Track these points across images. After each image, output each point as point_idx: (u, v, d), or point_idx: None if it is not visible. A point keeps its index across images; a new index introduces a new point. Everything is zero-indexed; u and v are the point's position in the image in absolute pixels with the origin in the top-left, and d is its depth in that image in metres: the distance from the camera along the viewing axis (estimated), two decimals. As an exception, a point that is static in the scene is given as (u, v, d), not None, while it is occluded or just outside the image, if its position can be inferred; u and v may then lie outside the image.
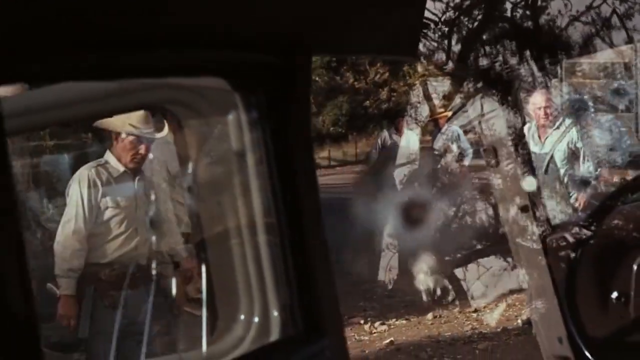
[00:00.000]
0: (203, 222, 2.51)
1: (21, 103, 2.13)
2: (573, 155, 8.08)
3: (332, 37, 2.43)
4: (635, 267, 3.75)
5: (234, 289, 2.38)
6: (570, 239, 3.64)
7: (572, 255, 3.60)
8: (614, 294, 3.75)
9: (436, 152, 12.11)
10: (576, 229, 3.65)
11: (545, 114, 8.13)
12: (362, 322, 9.14)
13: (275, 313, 2.31)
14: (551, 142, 8.18)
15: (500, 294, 9.40)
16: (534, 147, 8.18)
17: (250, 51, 2.20)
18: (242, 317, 2.38)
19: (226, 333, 2.39)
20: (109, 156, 5.40)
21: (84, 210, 5.25)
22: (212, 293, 2.45)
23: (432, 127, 13.97)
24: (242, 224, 2.35)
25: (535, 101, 8.21)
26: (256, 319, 2.35)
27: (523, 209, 3.66)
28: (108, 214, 5.27)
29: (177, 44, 2.05)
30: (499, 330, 8.67)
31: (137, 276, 5.26)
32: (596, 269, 3.76)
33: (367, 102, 18.88)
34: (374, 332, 8.87)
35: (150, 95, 2.42)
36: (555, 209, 7.80)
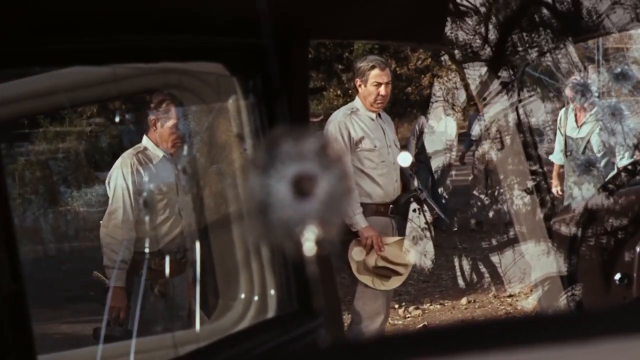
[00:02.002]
0: (204, 204, 2.56)
1: (23, 88, 2.20)
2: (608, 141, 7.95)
3: (331, 20, 2.46)
4: (638, 248, 3.75)
5: (235, 269, 2.44)
6: (574, 221, 3.65)
7: (576, 236, 3.61)
8: (617, 276, 3.75)
9: (473, 138, 12.06)
10: (580, 211, 3.66)
11: (579, 101, 7.98)
12: (396, 306, 9.16)
13: (273, 292, 2.36)
14: (588, 127, 8.06)
15: (537, 279, 9.34)
16: (570, 132, 8.10)
17: (248, 36, 2.24)
18: (243, 296, 2.44)
19: (227, 311, 2.46)
20: (147, 142, 5.30)
21: (130, 198, 5.20)
22: (214, 273, 2.51)
23: (471, 112, 13.91)
24: (242, 206, 2.41)
25: (571, 86, 8.07)
26: (255, 298, 2.41)
27: (527, 191, 3.68)
28: (152, 200, 5.21)
29: (176, 29, 2.10)
30: (533, 315, 8.62)
31: (182, 261, 5.23)
32: (599, 250, 3.76)
33: (409, 88, 18.82)
34: (408, 317, 8.88)
35: (154, 79, 2.48)
36: (589, 195, 7.70)
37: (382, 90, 5.83)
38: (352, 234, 5.63)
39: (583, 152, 8.12)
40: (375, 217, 5.77)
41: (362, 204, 5.71)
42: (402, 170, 5.90)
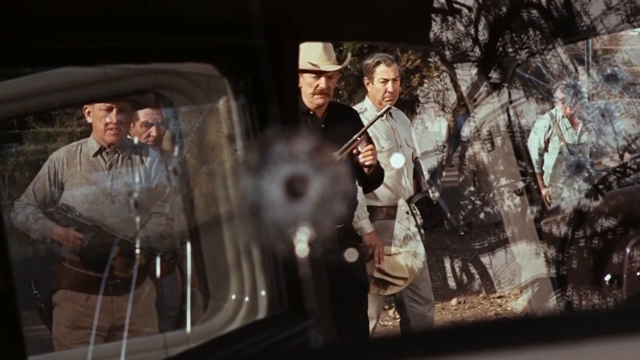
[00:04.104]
0: (194, 205, 2.55)
1: (10, 89, 2.20)
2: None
3: (321, 21, 2.46)
4: (628, 250, 3.76)
5: (226, 270, 2.44)
6: (565, 222, 3.66)
7: (566, 238, 3.62)
8: (607, 277, 3.77)
9: (464, 139, 12.06)
10: (570, 212, 3.67)
11: (573, 106, 7.77)
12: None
13: (264, 293, 2.36)
14: (588, 132, 7.84)
15: (526, 281, 9.34)
16: (568, 138, 7.89)
17: (238, 36, 2.24)
18: (233, 297, 2.44)
19: (218, 312, 2.45)
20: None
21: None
22: (205, 274, 2.51)
23: (460, 113, 13.95)
24: (233, 206, 2.41)
25: (563, 91, 7.88)
26: (246, 299, 2.41)
27: (517, 192, 3.69)
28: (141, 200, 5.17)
29: (167, 30, 2.10)
30: (523, 316, 8.61)
31: (172, 262, 5.20)
32: (589, 252, 3.77)
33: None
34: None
35: (144, 80, 2.48)
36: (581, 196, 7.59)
37: (389, 86, 5.68)
38: (358, 238, 5.51)
39: (591, 156, 7.87)
40: (385, 220, 5.65)
41: (371, 207, 5.57)
42: (415, 169, 5.78)
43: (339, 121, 5.07)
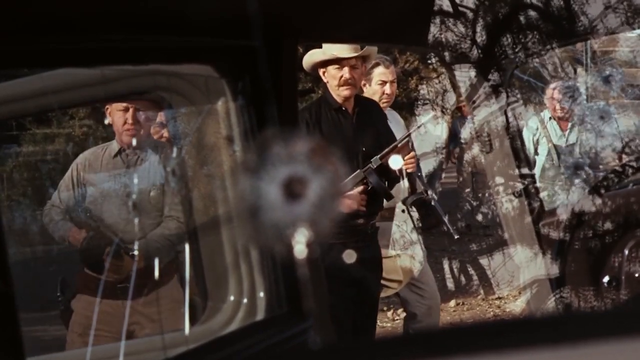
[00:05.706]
0: (193, 205, 2.55)
1: (9, 90, 2.20)
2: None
3: (321, 21, 2.46)
4: (626, 251, 3.76)
5: (224, 271, 2.44)
6: (563, 224, 3.66)
7: (564, 240, 3.63)
8: (606, 279, 3.77)
9: (462, 142, 12.06)
10: (568, 214, 3.67)
11: (561, 107, 7.70)
12: (384, 308, 9.15)
13: (262, 294, 2.36)
14: (575, 132, 7.82)
15: (525, 282, 9.34)
16: (557, 140, 7.85)
17: (237, 37, 2.24)
18: (232, 298, 2.44)
19: (216, 313, 2.45)
20: (133, 143, 5.30)
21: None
22: (203, 275, 2.51)
23: (458, 114, 13.93)
24: (231, 208, 2.41)
25: (551, 93, 7.81)
26: (245, 300, 2.41)
27: (515, 194, 3.70)
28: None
29: (165, 30, 2.10)
30: (522, 318, 8.60)
31: (172, 266, 5.19)
32: (588, 253, 3.77)
33: (397, 90, 18.78)
34: (397, 319, 8.88)
35: (142, 81, 2.48)
36: (577, 198, 7.56)
37: (387, 88, 5.59)
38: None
39: (581, 157, 7.84)
40: (383, 222, 5.56)
41: None
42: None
43: (367, 116, 5.06)
